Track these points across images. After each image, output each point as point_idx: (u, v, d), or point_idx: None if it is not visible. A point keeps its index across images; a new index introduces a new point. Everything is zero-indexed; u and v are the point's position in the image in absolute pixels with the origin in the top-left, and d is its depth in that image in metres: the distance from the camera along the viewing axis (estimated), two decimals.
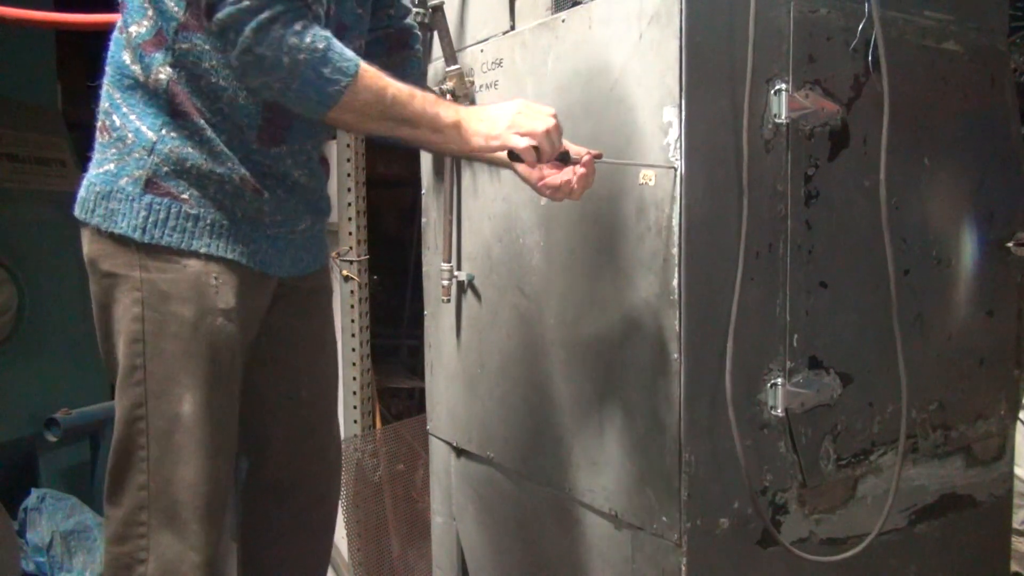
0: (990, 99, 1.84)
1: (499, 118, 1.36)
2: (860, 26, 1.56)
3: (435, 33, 1.92)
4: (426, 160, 2.16)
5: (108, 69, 1.44)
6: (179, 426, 1.38)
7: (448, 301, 2.01)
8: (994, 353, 1.89)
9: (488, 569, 2.01)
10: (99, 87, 1.46)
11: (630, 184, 1.49)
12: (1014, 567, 2.17)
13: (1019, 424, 2.02)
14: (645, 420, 1.49)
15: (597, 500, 1.62)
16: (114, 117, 1.40)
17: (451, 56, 1.89)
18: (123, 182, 1.37)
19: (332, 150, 2.97)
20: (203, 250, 1.38)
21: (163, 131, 1.36)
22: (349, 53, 1.30)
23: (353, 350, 2.91)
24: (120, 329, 1.40)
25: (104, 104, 1.43)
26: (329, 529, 1.79)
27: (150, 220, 1.36)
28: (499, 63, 1.84)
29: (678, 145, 1.40)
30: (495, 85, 1.85)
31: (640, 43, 1.46)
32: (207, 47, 1.35)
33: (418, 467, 2.95)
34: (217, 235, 1.40)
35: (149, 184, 1.36)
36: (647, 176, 1.46)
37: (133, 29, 1.38)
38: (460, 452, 2.08)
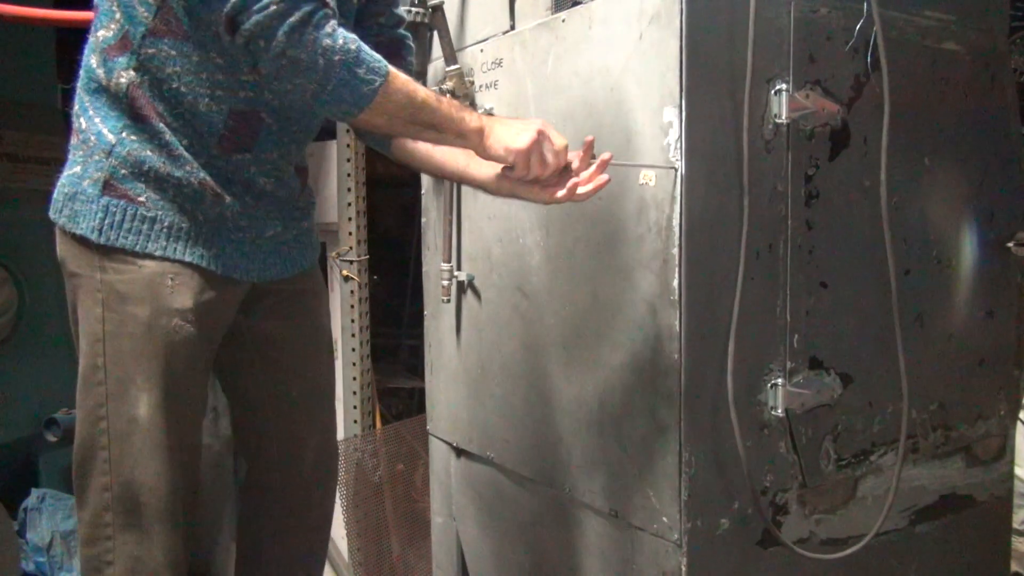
0: (990, 99, 1.84)
1: (526, 125, 1.35)
2: (860, 26, 1.55)
3: (435, 33, 1.92)
4: None
5: (80, 72, 1.46)
6: (136, 428, 1.38)
7: (448, 301, 2.00)
8: (994, 353, 1.89)
9: (488, 569, 2.01)
10: (74, 89, 1.48)
11: (630, 184, 1.49)
12: (1014, 567, 2.17)
13: (1019, 424, 2.02)
14: (645, 420, 1.49)
15: (597, 500, 1.62)
16: (81, 120, 1.41)
17: (451, 56, 1.89)
18: (85, 184, 1.39)
19: (332, 150, 2.97)
20: (159, 252, 1.39)
21: (123, 134, 1.37)
22: (378, 55, 1.29)
23: (353, 350, 2.91)
24: (83, 329, 1.41)
25: (75, 106, 1.44)
26: (325, 527, 1.79)
27: (107, 222, 1.37)
28: (499, 63, 1.84)
29: (678, 145, 1.40)
30: (495, 85, 1.85)
31: (640, 43, 1.46)
32: (173, 52, 1.36)
33: (418, 467, 2.95)
34: (175, 238, 1.40)
35: (107, 186, 1.37)
36: (647, 176, 1.46)
37: (101, 33, 1.39)
38: (460, 452, 2.08)
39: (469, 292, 1.98)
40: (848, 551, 1.57)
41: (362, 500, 2.86)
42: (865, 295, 1.62)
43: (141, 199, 1.37)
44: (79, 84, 1.45)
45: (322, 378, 1.74)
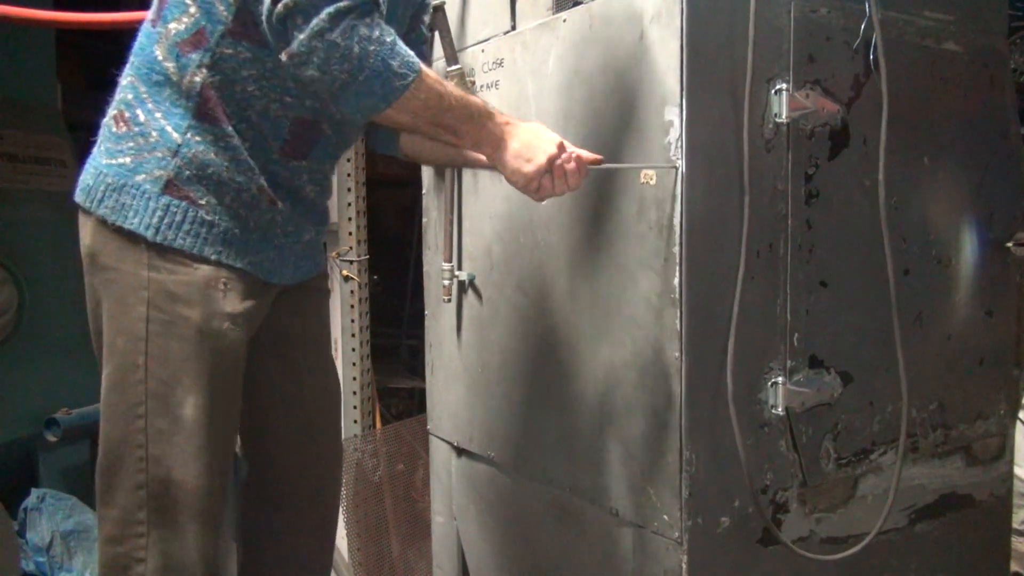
0: (990, 99, 1.85)
1: (540, 149, 1.35)
2: (861, 26, 1.56)
3: (436, 33, 1.92)
4: None
5: (135, 60, 1.42)
6: (181, 428, 1.37)
7: (449, 301, 2.01)
8: (994, 353, 1.90)
9: (489, 569, 2.01)
10: (116, 77, 1.45)
11: (631, 184, 1.49)
12: (1014, 567, 2.17)
13: (1019, 424, 2.02)
14: (646, 419, 1.49)
15: (598, 499, 1.62)
16: (137, 111, 1.38)
17: (452, 56, 1.89)
18: (140, 178, 1.36)
19: None
20: (214, 256, 1.38)
21: (187, 134, 1.35)
22: (413, 52, 1.28)
23: (353, 350, 2.91)
24: (118, 327, 1.39)
25: (126, 95, 1.41)
26: (330, 531, 1.78)
27: (165, 221, 1.35)
28: (500, 63, 1.84)
29: (679, 144, 1.40)
30: (496, 85, 1.86)
31: (641, 43, 1.46)
32: (249, 56, 1.35)
33: (418, 467, 2.95)
34: (229, 243, 1.40)
35: (169, 185, 1.35)
36: (648, 175, 1.46)
37: (172, 26, 1.36)
38: (460, 452, 2.08)
39: (470, 291, 1.98)
40: (848, 551, 1.57)
41: (362, 500, 2.86)
42: (865, 294, 1.62)
43: (202, 202, 1.36)
44: (133, 73, 1.41)
45: (331, 377, 1.75)
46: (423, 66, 1.28)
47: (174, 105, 1.36)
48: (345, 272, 2.88)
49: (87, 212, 1.41)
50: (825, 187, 1.56)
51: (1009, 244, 1.87)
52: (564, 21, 1.65)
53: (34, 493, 2.86)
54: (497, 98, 1.85)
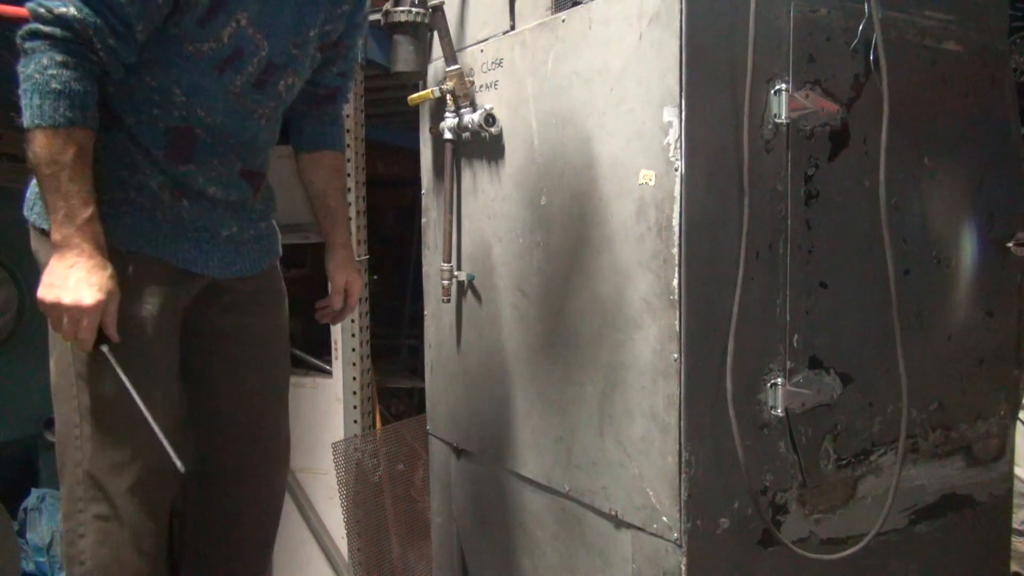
0: (990, 99, 1.84)
1: (67, 289, 1.37)
2: (860, 26, 1.56)
3: (435, 33, 1.92)
4: (426, 160, 2.16)
5: None
6: (102, 404, 1.47)
7: (448, 301, 2.00)
8: (994, 353, 1.89)
9: (488, 569, 2.01)
10: None
11: (630, 184, 1.49)
12: (1014, 567, 2.17)
13: (1019, 424, 2.02)
14: (645, 420, 1.49)
15: (597, 500, 1.62)
16: None
17: (451, 56, 1.89)
18: None
19: None
20: (121, 247, 1.48)
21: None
22: (71, 113, 1.34)
23: (353, 350, 2.91)
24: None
25: None
26: (275, 513, 1.87)
27: None
28: (499, 63, 1.84)
29: (678, 145, 1.40)
30: (495, 85, 1.85)
31: (640, 43, 1.46)
32: (119, 74, 1.45)
33: (418, 467, 2.95)
34: (136, 234, 1.51)
35: None
36: (647, 176, 1.46)
37: None
38: (460, 452, 2.08)
39: (469, 292, 1.98)
40: (848, 551, 1.57)
41: (362, 500, 2.86)
42: (865, 295, 1.62)
43: (104, 198, 1.46)
44: None
45: (278, 372, 1.83)
46: (65, 129, 1.34)
47: None
48: None
49: (26, 220, 1.56)
50: (825, 188, 1.56)
51: (1009, 244, 1.87)
52: (563, 21, 1.65)
53: (34, 493, 2.86)
54: (496, 98, 1.84)
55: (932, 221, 1.76)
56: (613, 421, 1.57)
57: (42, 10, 1.32)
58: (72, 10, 1.32)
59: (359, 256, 2.88)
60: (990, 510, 1.95)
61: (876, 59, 1.53)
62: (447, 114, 1.92)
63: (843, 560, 1.56)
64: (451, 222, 1.99)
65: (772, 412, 1.52)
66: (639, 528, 1.53)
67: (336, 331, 3.00)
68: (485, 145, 1.86)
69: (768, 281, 1.51)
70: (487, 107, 1.83)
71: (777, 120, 1.49)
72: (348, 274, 1.91)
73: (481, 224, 1.93)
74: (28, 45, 1.34)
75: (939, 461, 1.83)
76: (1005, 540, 2.02)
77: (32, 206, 1.57)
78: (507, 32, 1.85)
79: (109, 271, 1.40)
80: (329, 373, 3.15)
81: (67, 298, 1.35)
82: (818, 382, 1.57)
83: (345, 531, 2.87)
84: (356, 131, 2.86)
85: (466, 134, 1.88)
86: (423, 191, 2.20)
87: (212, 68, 1.50)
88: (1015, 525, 2.23)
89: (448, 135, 1.92)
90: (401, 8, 1.83)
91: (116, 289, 1.40)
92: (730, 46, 1.43)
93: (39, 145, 1.35)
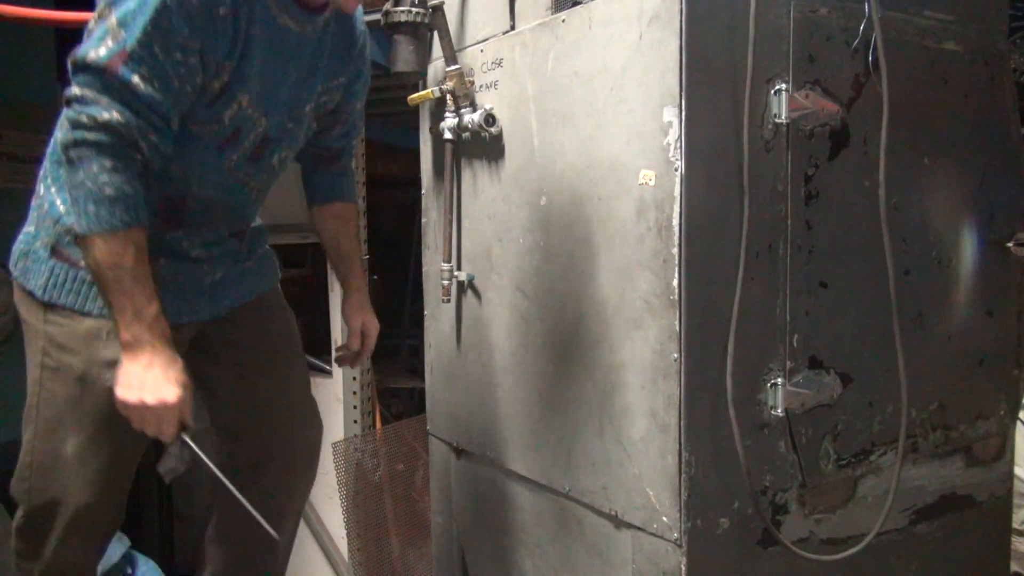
0: (990, 99, 1.84)
1: (147, 390, 1.38)
2: (860, 26, 1.56)
3: (435, 33, 1.92)
4: (426, 160, 2.16)
5: (51, 141, 1.56)
6: (62, 464, 1.53)
7: (448, 301, 2.00)
8: (994, 353, 1.89)
9: (488, 569, 2.01)
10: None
11: (630, 184, 1.49)
12: (1014, 567, 2.17)
13: (1019, 424, 2.02)
14: (645, 420, 1.49)
15: (597, 500, 1.62)
16: (42, 184, 1.57)
17: (451, 56, 1.89)
18: (38, 244, 1.54)
19: None
20: (96, 312, 1.51)
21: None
22: (127, 216, 1.34)
23: None
24: (27, 372, 1.58)
25: (43, 169, 1.59)
26: (299, 511, 1.93)
27: (50, 282, 1.51)
28: (499, 63, 1.84)
29: (678, 145, 1.40)
30: (495, 85, 1.85)
31: (640, 43, 1.46)
32: None
33: (418, 467, 2.95)
34: None
35: (54, 251, 1.51)
36: (647, 176, 1.46)
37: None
38: (460, 452, 2.08)
39: (469, 292, 1.98)
40: (848, 552, 1.57)
41: (362, 500, 2.86)
42: (865, 295, 1.62)
43: (82, 264, 1.47)
44: (48, 151, 1.57)
45: (290, 375, 1.86)
46: (122, 233, 1.34)
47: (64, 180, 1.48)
48: None
49: (10, 275, 1.60)
50: (825, 188, 1.56)
51: (1009, 244, 1.87)
52: (563, 21, 1.65)
53: None
54: (496, 98, 1.84)
55: (932, 221, 1.76)
56: (613, 421, 1.57)
57: (84, 118, 1.31)
58: (115, 115, 1.32)
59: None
60: (990, 510, 1.95)
61: (876, 59, 1.53)
62: (447, 114, 1.92)
63: (843, 560, 1.56)
64: (451, 222, 1.99)
65: (772, 412, 1.52)
66: (639, 528, 1.53)
67: (336, 331, 3.00)
68: (485, 145, 1.86)
69: (768, 281, 1.51)
70: (487, 107, 1.83)
71: (777, 120, 1.49)
72: (364, 317, 1.92)
73: (481, 224, 1.93)
74: (74, 154, 1.33)
75: (939, 461, 1.83)
76: (1005, 540, 2.02)
77: (16, 263, 1.58)
78: (507, 32, 1.85)
79: (180, 362, 1.42)
80: (329, 373, 3.14)
81: (150, 398, 1.37)
82: (818, 382, 1.57)
83: (345, 531, 2.87)
84: None
85: (466, 134, 1.88)
86: (423, 191, 2.20)
87: (213, 148, 1.52)
88: (1015, 525, 2.23)
89: (448, 135, 1.92)
90: (401, 8, 1.83)
91: (189, 379, 1.43)
92: (730, 46, 1.43)
93: (99, 251, 1.35)
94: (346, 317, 1.93)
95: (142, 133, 1.35)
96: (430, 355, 2.20)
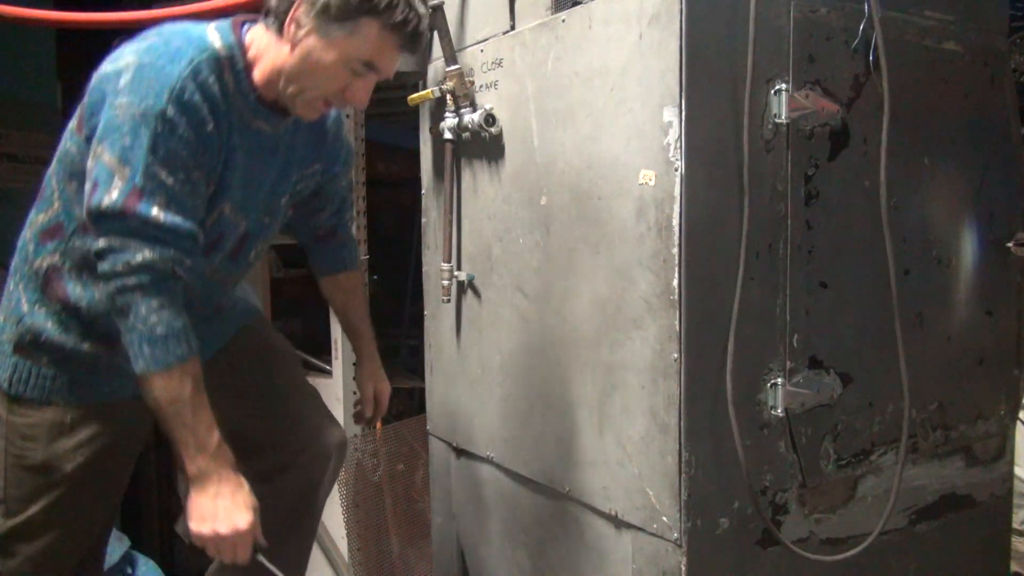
0: (990, 99, 1.84)
1: (220, 520, 1.39)
2: (860, 26, 1.56)
3: (435, 33, 1.92)
4: (426, 160, 2.16)
5: (22, 237, 1.58)
6: (25, 538, 1.57)
7: (448, 301, 2.00)
8: (994, 353, 1.89)
9: (488, 569, 2.01)
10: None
11: (630, 184, 1.49)
12: (1014, 567, 2.17)
13: (1019, 424, 2.02)
14: (645, 420, 1.49)
15: (597, 500, 1.62)
16: (11, 280, 1.58)
17: (451, 56, 1.89)
18: (3, 337, 1.56)
19: None
20: (60, 402, 1.54)
21: (35, 306, 1.52)
22: (180, 349, 1.36)
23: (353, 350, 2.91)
24: None
25: (13, 264, 1.59)
26: (316, 512, 1.90)
27: (15, 377, 1.54)
28: (499, 63, 1.84)
29: (678, 145, 1.40)
30: (495, 85, 1.85)
31: (640, 43, 1.46)
32: (87, 250, 1.46)
33: (418, 467, 2.95)
34: (76, 387, 1.55)
35: (17, 347, 1.54)
36: (647, 176, 1.46)
37: (40, 217, 1.53)
38: (460, 452, 2.08)
39: (469, 292, 1.98)
40: (849, 553, 1.57)
41: (362, 500, 2.86)
42: (865, 295, 1.62)
43: (44, 360, 1.53)
44: (18, 247, 1.58)
45: (286, 379, 1.85)
46: (176, 368, 1.36)
47: (30, 280, 1.53)
48: None
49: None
50: (825, 188, 1.56)
51: (1009, 244, 1.87)
52: (563, 21, 1.65)
53: None
54: (496, 98, 1.84)
55: (932, 221, 1.76)
56: (613, 421, 1.57)
57: (120, 267, 1.32)
58: (148, 254, 1.33)
59: (359, 256, 2.88)
60: (990, 510, 1.95)
61: (876, 59, 1.53)
62: (447, 114, 1.92)
63: (843, 560, 1.56)
64: (451, 222, 1.99)
65: (772, 412, 1.52)
66: (639, 528, 1.53)
67: (336, 331, 3.00)
68: (485, 145, 1.86)
69: (768, 281, 1.51)
70: (487, 107, 1.83)
71: (777, 120, 1.49)
72: (376, 383, 1.94)
73: (481, 224, 1.93)
74: (120, 301, 1.34)
75: (939, 461, 1.83)
76: (1005, 540, 2.02)
77: None
78: (507, 32, 1.85)
79: (246, 485, 1.42)
80: (329, 373, 3.14)
81: (224, 528, 1.38)
82: (818, 382, 1.57)
83: (345, 531, 2.87)
84: (356, 131, 2.86)
85: (466, 134, 1.88)
86: (423, 191, 2.20)
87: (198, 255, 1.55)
88: (1015, 525, 2.23)
89: (448, 135, 1.92)
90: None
91: (255, 500, 1.43)
92: (730, 46, 1.43)
93: (158, 389, 1.36)
94: (359, 384, 1.97)
95: (177, 261, 1.36)
96: (430, 355, 2.20)
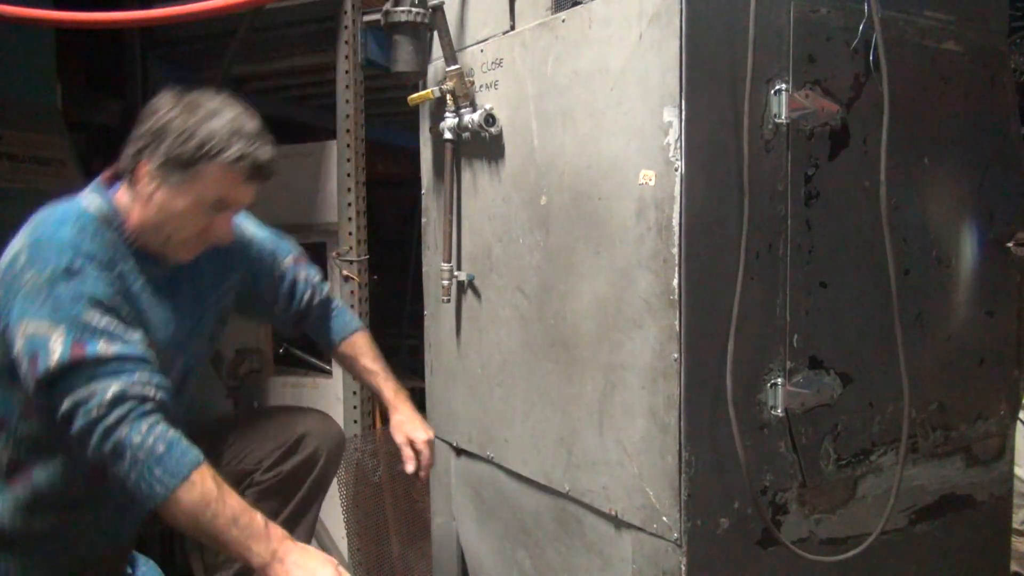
0: (990, 99, 1.84)
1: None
2: (860, 26, 1.56)
3: (435, 33, 1.92)
4: (426, 160, 2.16)
5: None
6: None
7: (448, 301, 2.00)
8: (994, 353, 1.89)
9: (488, 569, 2.01)
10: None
11: (630, 184, 1.49)
12: (1014, 567, 2.17)
13: (1019, 424, 2.02)
14: (645, 420, 1.49)
15: (597, 500, 1.62)
16: None
17: (451, 56, 1.89)
18: None
19: (332, 150, 2.97)
20: None
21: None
22: (189, 455, 1.37)
23: None
24: None
25: None
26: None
27: None
28: (499, 63, 1.84)
29: (678, 145, 1.40)
30: (495, 85, 1.85)
31: (640, 43, 1.46)
32: (38, 431, 1.50)
33: None
34: (39, 568, 1.56)
35: None
36: (647, 176, 1.46)
37: None
38: (460, 452, 2.08)
39: (469, 292, 1.98)
40: (849, 553, 1.57)
41: (362, 500, 2.86)
42: (865, 295, 1.62)
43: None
44: None
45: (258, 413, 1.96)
46: (194, 473, 1.36)
47: None
48: (345, 272, 2.88)
49: None
50: (825, 188, 1.56)
51: (1009, 244, 1.87)
52: (563, 21, 1.65)
53: None
54: (496, 98, 1.84)
55: (932, 221, 1.76)
56: (613, 421, 1.57)
57: (95, 412, 1.33)
58: (117, 386, 1.35)
59: (359, 256, 2.88)
60: (990, 510, 1.95)
61: (876, 59, 1.53)
62: (447, 114, 1.92)
63: (843, 560, 1.56)
64: (451, 222, 1.99)
65: (772, 412, 1.52)
66: (639, 528, 1.53)
67: None
68: (485, 145, 1.86)
69: (768, 281, 1.51)
70: (487, 107, 1.83)
71: (777, 120, 1.49)
72: (407, 432, 1.91)
73: (481, 224, 1.93)
74: (111, 446, 1.33)
75: (939, 461, 1.83)
76: (1005, 540, 2.02)
77: None
78: (507, 32, 1.85)
79: (309, 547, 1.43)
80: (329, 373, 3.14)
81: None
82: (818, 382, 1.57)
83: (345, 531, 2.87)
84: (356, 131, 2.86)
85: (466, 134, 1.88)
86: (423, 191, 2.20)
87: None
88: (1015, 525, 2.22)
89: (448, 135, 1.92)
90: (401, 8, 1.83)
91: (322, 552, 1.42)
92: (730, 46, 1.43)
93: (185, 502, 1.35)
94: (392, 435, 1.95)
95: (145, 383, 1.38)
96: (430, 355, 2.20)
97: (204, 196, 1.49)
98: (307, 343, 3.36)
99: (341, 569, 1.39)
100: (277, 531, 1.40)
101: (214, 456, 1.67)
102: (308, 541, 1.91)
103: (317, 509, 1.91)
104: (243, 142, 1.47)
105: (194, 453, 1.38)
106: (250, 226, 1.82)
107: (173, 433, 1.38)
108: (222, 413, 1.95)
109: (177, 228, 1.51)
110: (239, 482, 1.74)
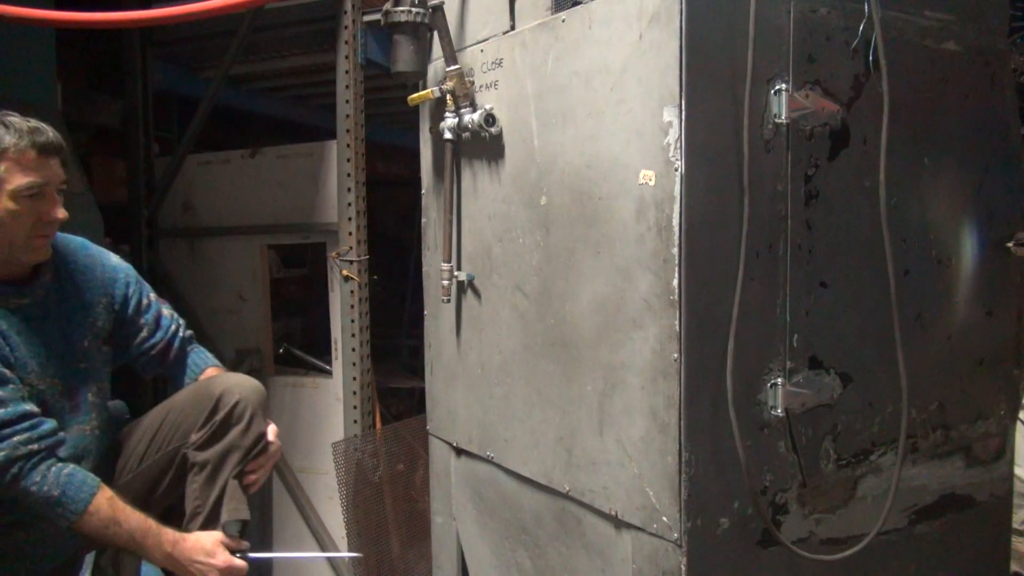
0: (990, 99, 1.84)
1: (200, 569, 1.67)
2: (860, 26, 1.56)
3: (435, 33, 1.92)
4: (426, 160, 2.16)
5: None
6: None
7: (448, 301, 2.00)
8: (994, 353, 1.89)
9: (488, 569, 2.01)
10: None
11: (630, 184, 1.49)
12: (1014, 567, 2.17)
13: (1019, 424, 2.02)
14: (645, 420, 1.49)
15: (597, 500, 1.62)
16: None
17: (451, 56, 1.89)
18: None
19: (332, 150, 2.98)
20: None
21: None
22: (83, 491, 1.61)
23: (353, 350, 2.91)
24: None
25: None
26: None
27: None
28: (499, 63, 1.84)
29: (678, 145, 1.40)
30: (495, 85, 1.85)
31: (640, 43, 1.46)
32: None
33: (418, 467, 2.95)
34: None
35: None
36: (647, 176, 1.46)
37: None
38: (460, 452, 2.08)
39: (469, 292, 1.98)
40: (848, 552, 1.57)
41: (362, 500, 2.86)
42: (865, 295, 1.62)
43: None
44: None
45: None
46: (91, 504, 1.60)
47: None
48: (345, 272, 2.88)
49: None
50: (825, 188, 1.56)
51: (1009, 244, 1.87)
52: (563, 21, 1.65)
53: None
54: (496, 98, 1.84)
55: (932, 221, 1.76)
56: (613, 421, 1.57)
57: None
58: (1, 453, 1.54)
59: (359, 256, 2.88)
60: (990, 510, 1.95)
61: (876, 59, 1.53)
62: (447, 114, 1.92)
63: (843, 560, 1.56)
64: (451, 222, 1.99)
65: (772, 412, 1.52)
66: (639, 528, 1.53)
67: (336, 331, 3.00)
68: (485, 145, 1.86)
69: (768, 281, 1.51)
70: (487, 107, 1.83)
71: (777, 120, 1.49)
72: None
73: (481, 224, 1.93)
74: (16, 495, 1.57)
75: (939, 461, 1.83)
76: (1005, 540, 2.02)
77: None
78: (507, 32, 1.85)
79: (202, 534, 1.70)
80: (329, 373, 3.14)
81: (219, 565, 1.67)
82: (818, 382, 1.57)
83: (345, 531, 2.87)
84: (356, 131, 2.86)
85: (466, 134, 1.88)
86: (423, 191, 2.20)
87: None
88: (1015, 525, 2.23)
89: (448, 135, 1.92)
90: (401, 8, 1.83)
91: (210, 535, 1.71)
92: (730, 46, 1.43)
93: (90, 526, 1.61)
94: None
95: (29, 441, 1.57)
96: (430, 355, 2.20)
97: (16, 190, 1.57)
98: (307, 343, 3.36)
99: (227, 540, 1.70)
100: (168, 533, 1.68)
101: (147, 445, 1.87)
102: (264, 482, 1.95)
103: (256, 448, 1.87)
104: (22, 130, 1.57)
105: (88, 485, 1.61)
106: (115, 258, 1.91)
107: (65, 469, 1.60)
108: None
109: (13, 232, 1.60)
110: (176, 458, 1.84)
